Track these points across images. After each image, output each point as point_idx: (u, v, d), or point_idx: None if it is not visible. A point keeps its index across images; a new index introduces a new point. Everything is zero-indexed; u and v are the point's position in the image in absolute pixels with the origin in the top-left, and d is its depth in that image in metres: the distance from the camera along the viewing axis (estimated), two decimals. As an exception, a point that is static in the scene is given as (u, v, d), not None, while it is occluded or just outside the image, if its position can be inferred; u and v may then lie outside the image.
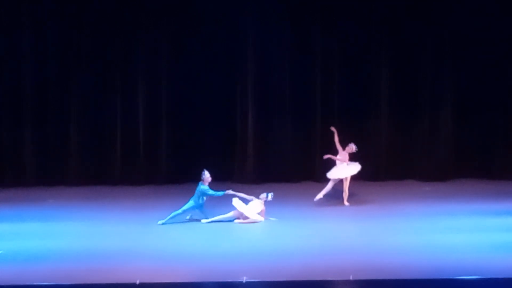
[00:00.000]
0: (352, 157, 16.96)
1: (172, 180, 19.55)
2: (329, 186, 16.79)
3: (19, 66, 19.65)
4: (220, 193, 15.53)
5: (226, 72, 19.78)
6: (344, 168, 16.82)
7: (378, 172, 19.77)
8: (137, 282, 11.40)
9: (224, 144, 19.92)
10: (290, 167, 19.85)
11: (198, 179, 15.62)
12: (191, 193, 15.61)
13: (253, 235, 14.84)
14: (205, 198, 15.48)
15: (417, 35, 19.59)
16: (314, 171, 19.77)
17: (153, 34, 19.68)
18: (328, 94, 19.83)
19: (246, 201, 15.68)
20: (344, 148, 16.88)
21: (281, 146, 19.88)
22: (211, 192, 15.45)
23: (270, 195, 15.72)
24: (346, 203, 16.89)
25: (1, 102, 19.73)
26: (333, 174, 16.87)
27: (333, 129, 17.00)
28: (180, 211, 15.44)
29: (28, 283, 11.58)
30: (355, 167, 16.84)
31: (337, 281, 11.47)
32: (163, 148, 19.89)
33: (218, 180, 16.37)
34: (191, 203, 15.48)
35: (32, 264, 12.63)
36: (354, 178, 16.97)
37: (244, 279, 11.44)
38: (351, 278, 11.47)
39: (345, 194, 16.89)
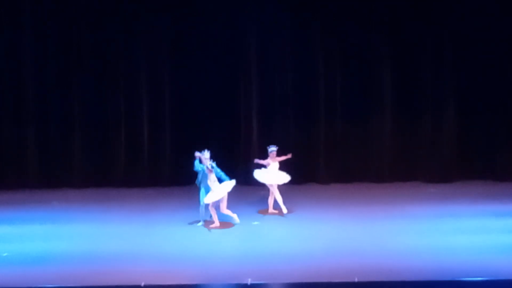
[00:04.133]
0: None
1: (175, 182, 19.52)
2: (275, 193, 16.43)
3: (19, 66, 19.64)
4: (226, 177, 15.47)
5: (228, 73, 19.75)
6: (273, 174, 16.54)
7: (382, 173, 19.74)
8: (142, 284, 11.40)
9: (228, 145, 19.89)
10: (293, 169, 19.83)
11: (202, 180, 15.66)
12: (194, 195, 15.61)
13: (258, 237, 14.81)
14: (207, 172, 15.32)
15: (417, 35, 19.57)
16: (317, 173, 19.77)
17: (154, 34, 19.65)
18: (330, 95, 19.80)
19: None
20: (268, 156, 16.59)
21: (284, 147, 19.84)
22: (218, 170, 15.41)
23: (205, 152, 15.53)
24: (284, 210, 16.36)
25: (3, 102, 19.72)
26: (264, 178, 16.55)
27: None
28: (202, 204, 15.38)
29: (32, 285, 11.58)
30: (284, 177, 16.58)
31: (342, 283, 11.46)
32: (166, 149, 19.88)
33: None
34: (202, 191, 15.39)
35: (36, 267, 12.64)
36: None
37: (249, 281, 11.44)
38: (356, 280, 11.46)
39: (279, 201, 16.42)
